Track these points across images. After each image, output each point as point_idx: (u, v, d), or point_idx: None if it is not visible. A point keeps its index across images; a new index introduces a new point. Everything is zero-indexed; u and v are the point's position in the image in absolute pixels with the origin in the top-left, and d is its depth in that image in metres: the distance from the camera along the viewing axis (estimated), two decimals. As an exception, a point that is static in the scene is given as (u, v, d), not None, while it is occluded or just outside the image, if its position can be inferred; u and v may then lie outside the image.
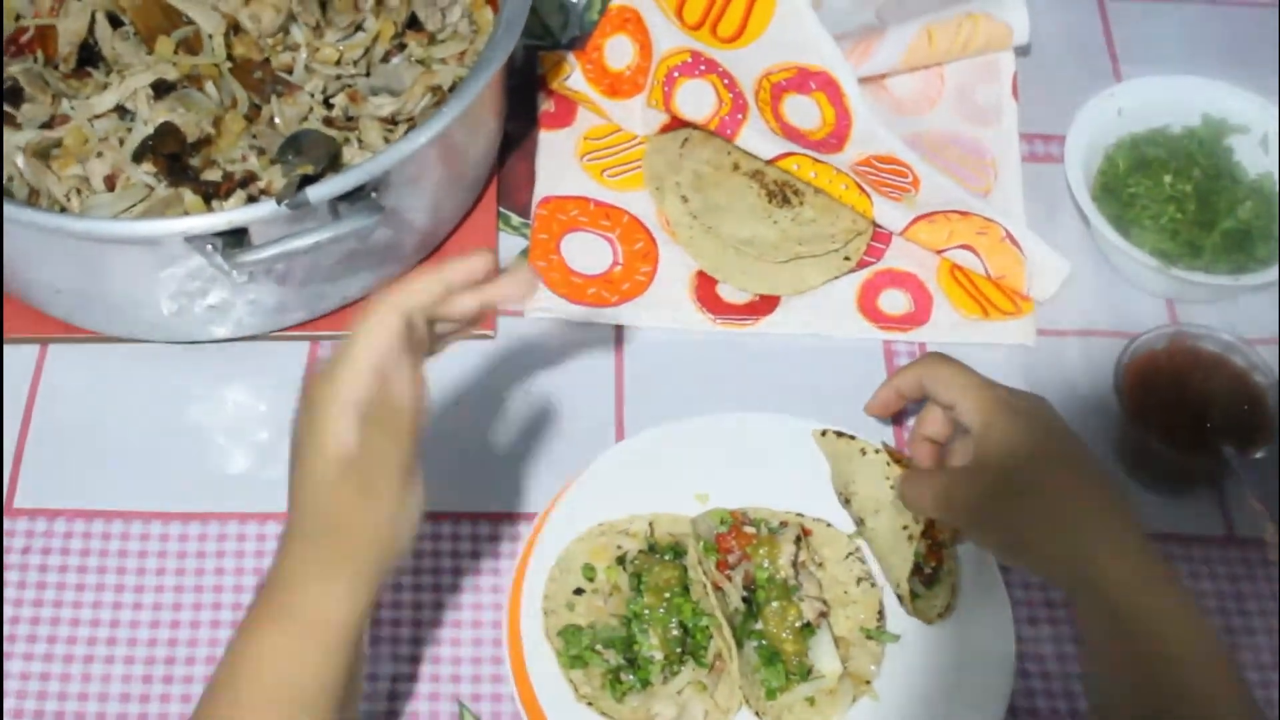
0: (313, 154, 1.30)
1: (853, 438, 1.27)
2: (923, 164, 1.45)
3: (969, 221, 1.44)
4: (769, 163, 1.47)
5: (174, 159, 1.31)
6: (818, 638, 1.21)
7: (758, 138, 1.46)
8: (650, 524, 1.27)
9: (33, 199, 1.31)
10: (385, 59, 1.44)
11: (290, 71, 1.40)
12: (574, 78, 1.55)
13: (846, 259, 1.45)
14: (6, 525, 1.28)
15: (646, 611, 1.21)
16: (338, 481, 0.98)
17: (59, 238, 1.22)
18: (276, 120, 1.37)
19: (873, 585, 1.26)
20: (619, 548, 1.26)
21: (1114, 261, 1.46)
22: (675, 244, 1.46)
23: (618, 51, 1.54)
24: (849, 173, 1.44)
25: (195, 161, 1.33)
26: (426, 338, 1.03)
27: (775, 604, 1.21)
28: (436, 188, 1.36)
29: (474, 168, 1.43)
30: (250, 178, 1.32)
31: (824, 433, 1.29)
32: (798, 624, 1.20)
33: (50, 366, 1.37)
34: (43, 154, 1.33)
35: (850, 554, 1.28)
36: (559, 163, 1.52)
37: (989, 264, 1.44)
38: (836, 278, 1.45)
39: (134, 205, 1.29)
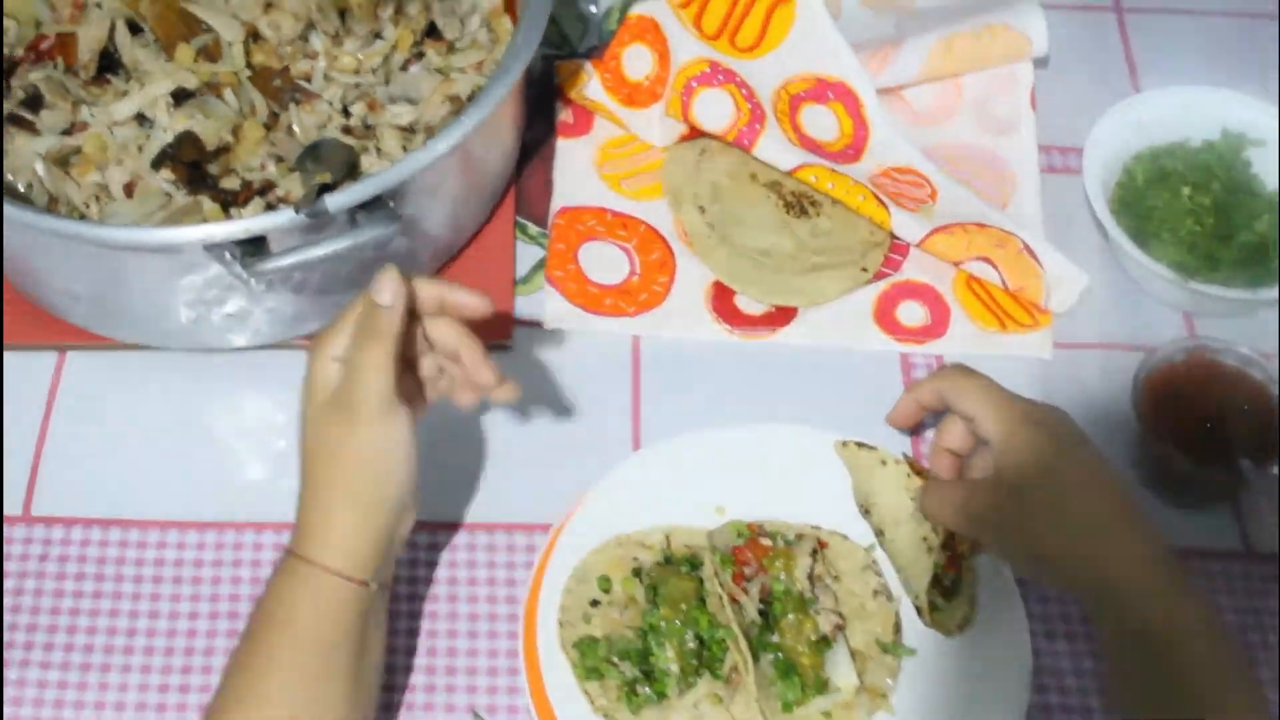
0: (331, 162, 1.30)
1: (873, 449, 1.27)
2: (940, 175, 1.45)
3: (987, 233, 1.43)
4: (787, 173, 1.47)
5: (193, 167, 1.31)
6: (834, 651, 1.21)
7: (775, 148, 1.45)
8: (667, 536, 1.27)
9: (52, 206, 1.31)
10: (404, 68, 1.44)
11: (309, 80, 1.40)
12: (592, 87, 1.55)
13: (864, 270, 1.45)
14: (24, 533, 1.28)
15: (663, 624, 1.21)
16: (324, 418, 1.09)
17: (78, 245, 1.22)
18: (295, 128, 1.37)
19: (889, 599, 1.26)
20: (635, 559, 1.26)
21: (1132, 274, 1.46)
22: (692, 254, 1.46)
23: (636, 61, 1.54)
24: (867, 184, 1.44)
25: (214, 169, 1.33)
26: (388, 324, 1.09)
27: (791, 617, 1.21)
28: (454, 197, 1.36)
29: (492, 177, 1.43)
30: (269, 186, 1.33)
31: (845, 443, 1.29)
32: (814, 637, 1.20)
33: (68, 373, 1.37)
34: (62, 161, 1.33)
35: (866, 567, 1.27)
36: (576, 172, 1.52)
37: (1007, 276, 1.43)
38: (854, 289, 1.45)
39: (153, 213, 1.30)
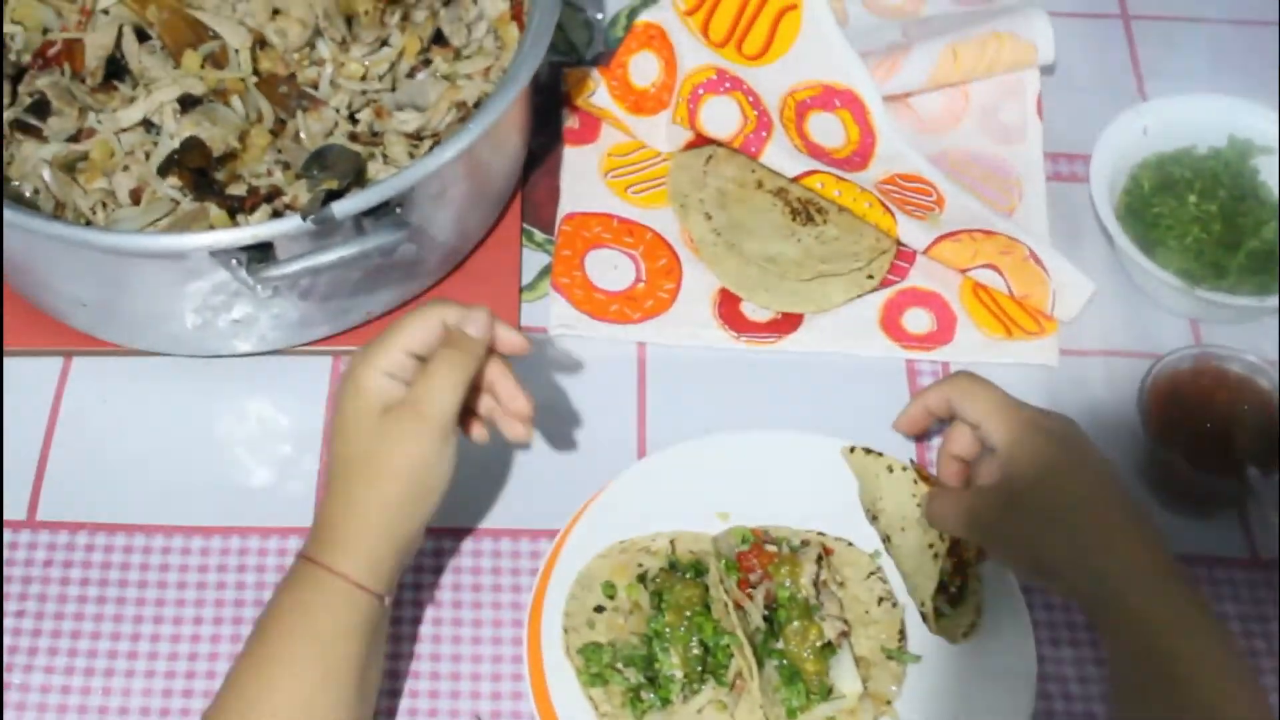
0: (338, 169, 1.30)
1: (880, 455, 1.27)
2: (947, 182, 1.45)
3: (993, 240, 1.43)
4: (793, 180, 1.46)
5: (200, 173, 1.32)
6: (839, 657, 1.21)
7: (782, 155, 1.45)
8: (671, 542, 1.27)
9: (59, 212, 1.31)
10: (411, 74, 1.44)
11: (316, 86, 1.40)
12: (599, 94, 1.55)
13: (870, 277, 1.45)
14: (29, 538, 1.29)
15: (667, 630, 1.21)
16: (380, 428, 1.10)
17: (85, 251, 1.22)
18: (302, 135, 1.37)
19: (894, 605, 1.26)
20: (640, 565, 1.26)
21: (1138, 282, 1.46)
22: (698, 261, 1.46)
23: (643, 68, 1.54)
24: (873, 191, 1.44)
25: (221, 176, 1.33)
26: (474, 354, 1.13)
27: (796, 623, 1.21)
28: (461, 204, 1.36)
29: (498, 184, 1.43)
30: (275, 192, 1.33)
31: (852, 449, 1.29)
32: (819, 643, 1.20)
33: (74, 379, 1.37)
34: (69, 167, 1.33)
35: (872, 574, 1.27)
36: (583, 179, 1.52)
37: (1013, 283, 1.43)
38: (860, 296, 1.45)
39: (159, 219, 1.30)
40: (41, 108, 1.35)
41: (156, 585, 1.27)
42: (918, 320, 1.44)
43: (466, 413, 1.17)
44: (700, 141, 1.51)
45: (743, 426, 1.33)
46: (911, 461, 1.27)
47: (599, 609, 1.23)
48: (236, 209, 1.31)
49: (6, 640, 1.23)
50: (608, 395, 1.39)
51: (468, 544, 1.30)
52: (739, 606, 1.21)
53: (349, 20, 1.43)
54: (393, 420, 1.10)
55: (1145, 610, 1.06)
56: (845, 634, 1.22)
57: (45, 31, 1.41)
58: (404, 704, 1.22)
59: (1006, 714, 1.19)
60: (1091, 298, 1.44)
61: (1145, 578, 1.08)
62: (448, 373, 1.11)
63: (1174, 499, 1.33)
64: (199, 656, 1.23)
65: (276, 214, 1.31)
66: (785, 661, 1.20)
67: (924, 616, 1.23)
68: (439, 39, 1.46)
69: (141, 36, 1.41)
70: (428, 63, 1.45)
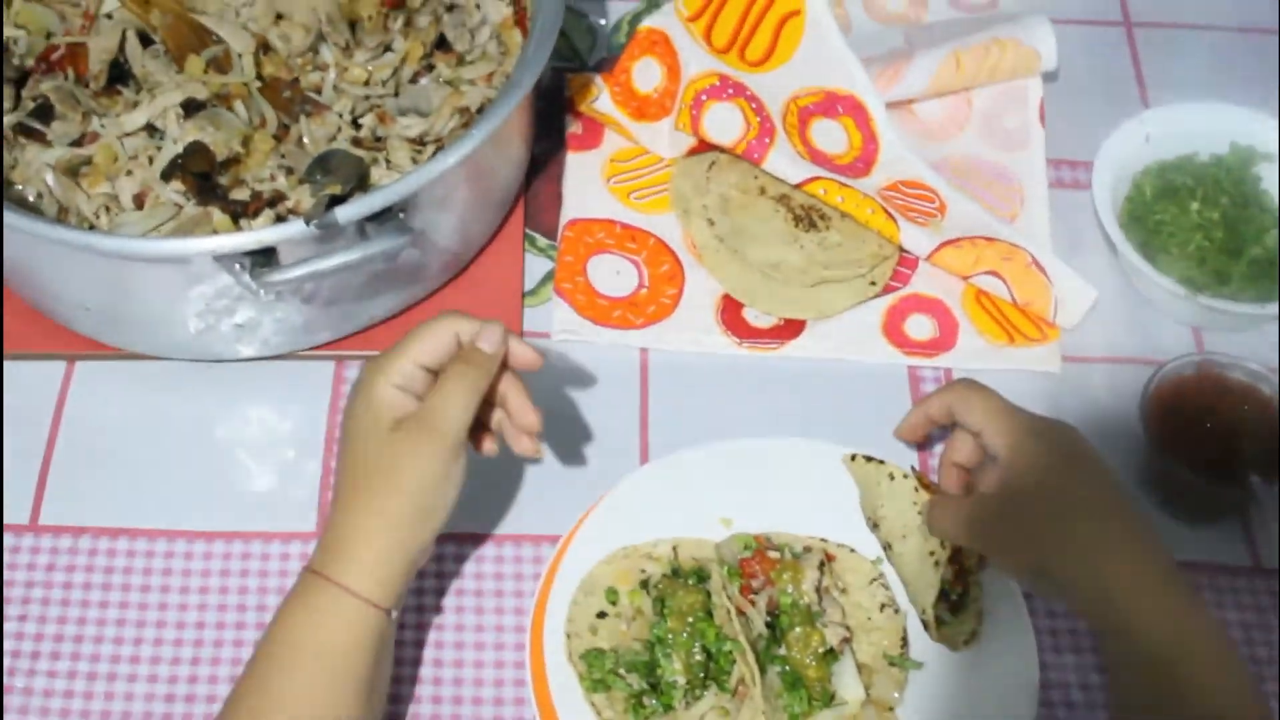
0: (341, 174, 1.30)
1: (882, 463, 1.27)
2: (949, 189, 1.45)
3: (995, 247, 1.43)
4: (796, 187, 1.47)
5: (203, 178, 1.32)
6: (841, 664, 1.21)
7: (785, 162, 1.46)
8: (674, 548, 1.27)
9: (62, 216, 1.32)
10: (414, 80, 1.44)
11: (319, 91, 1.40)
12: (601, 100, 1.55)
13: (872, 284, 1.45)
14: (32, 542, 1.29)
15: (670, 636, 1.21)
16: (391, 439, 1.10)
17: (88, 255, 1.22)
18: (305, 140, 1.37)
19: (896, 611, 1.26)
20: (642, 571, 1.26)
21: (1141, 289, 1.46)
22: (701, 267, 1.46)
23: (645, 74, 1.54)
24: (876, 197, 1.44)
25: (224, 180, 1.33)
26: (487, 369, 1.14)
27: (798, 629, 1.21)
28: (464, 209, 1.36)
29: (501, 189, 1.44)
30: (278, 197, 1.33)
31: (853, 457, 1.29)
32: (821, 650, 1.20)
33: (77, 383, 1.38)
34: (72, 171, 1.33)
35: (874, 580, 1.27)
36: (586, 185, 1.52)
37: (1015, 290, 1.44)
38: (862, 302, 1.45)
39: (163, 223, 1.30)
40: (45, 112, 1.35)
41: (159, 590, 1.27)
42: (920, 327, 1.44)
43: (477, 426, 1.17)
44: (703, 148, 1.51)
45: (745, 432, 1.33)
46: (913, 469, 1.27)
47: (601, 615, 1.23)
48: (240, 214, 1.31)
49: (9, 644, 1.23)
50: (610, 401, 1.39)
51: (470, 549, 1.30)
52: (741, 613, 1.21)
53: (352, 25, 1.43)
54: (403, 434, 1.10)
55: (1146, 617, 1.06)
56: (847, 640, 1.22)
57: (49, 35, 1.41)
58: (406, 709, 1.22)
59: (1009, 721, 1.19)
60: (1094, 304, 1.44)
61: (1146, 585, 1.08)
62: (460, 388, 1.11)
63: (1176, 506, 1.33)
64: (201, 661, 1.23)
65: (280, 219, 1.31)
66: (787, 668, 1.20)
67: (925, 624, 1.23)
68: (442, 44, 1.46)
69: (145, 41, 1.41)
70: (431, 68, 1.45)
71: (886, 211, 1.43)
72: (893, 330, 1.44)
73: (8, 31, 1.39)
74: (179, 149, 1.33)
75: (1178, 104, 1.54)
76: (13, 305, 1.37)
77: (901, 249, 1.46)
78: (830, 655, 1.20)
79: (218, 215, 1.30)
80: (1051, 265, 1.43)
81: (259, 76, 1.39)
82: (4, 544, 1.28)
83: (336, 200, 1.23)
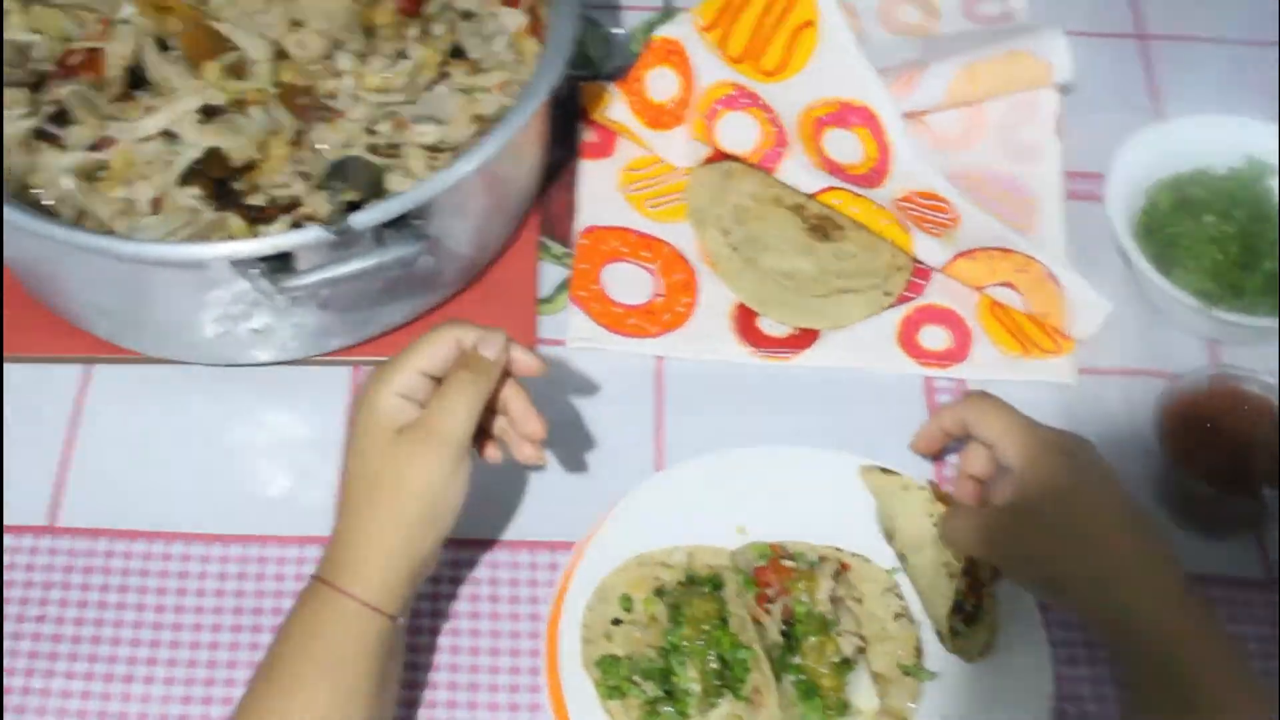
0: (357, 181, 1.30)
1: (896, 474, 1.27)
2: (964, 200, 1.45)
3: (1010, 259, 1.43)
4: (810, 196, 1.47)
5: (220, 183, 1.32)
6: (855, 673, 1.21)
7: (799, 171, 1.46)
8: (689, 555, 1.27)
9: (80, 220, 1.32)
10: (430, 87, 1.44)
11: (335, 98, 1.41)
12: (616, 109, 1.55)
13: (887, 294, 1.45)
14: (49, 544, 1.29)
15: (684, 643, 1.21)
16: (394, 448, 1.10)
17: (105, 259, 1.22)
18: (321, 146, 1.37)
19: (911, 621, 1.26)
20: (657, 579, 1.26)
21: (1155, 302, 1.46)
22: (716, 276, 1.47)
23: (660, 83, 1.54)
24: (890, 208, 1.44)
25: (240, 186, 1.33)
26: (489, 375, 1.14)
27: (813, 638, 1.21)
28: (479, 217, 1.36)
29: (516, 197, 1.44)
30: (295, 203, 1.33)
31: (868, 469, 1.29)
32: (835, 659, 1.20)
33: (94, 386, 1.38)
34: (90, 176, 1.33)
35: (888, 590, 1.27)
36: (601, 193, 1.52)
37: (1030, 301, 1.44)
38: (877, 313, 1.45)
39: (180, 228, 1.30)
40: (62, 117, 1.36)
41: (175, 592, 1.27)
42: (934, 337, 1.45)
43: (481, 433, 1.17)
44: (718, 157, 1.52)
45: (759, 441, 1.33)
46: (928, 480, 1.27)
47: (616, 622, 1.23)
48: (256, 219, 1.31)
49: (26, 645, 1.23)
50: (625, 409, 1.39)
51: (486, 556, 1.30)
52: (756, 621, 1.21)
53: (368, 33, 1.43)
54: (406, 441, 1.10)
55: (1160, 630, 1.06)
56: (862, 650, 1.22)
57: (66, 40, 1.42)
58: (422, 714, 1.22)
59: (1023, 731, 1.19)
60: (1108, 317, 1.43)
61: (1160, 598, 1.08)
62: (462, 394, 1.11)
63: (1190, 519, 1.33)
64: (218, 664, 1.23)
65: (296, 225, 1.31)
66: (802, 676, 1.20)
67: (939, 635, 1.24)
68: (458, 52, 1.47)
69: (162, 47, 1.41)
70: (446, 76, 1.45)
71: (901, 222, 1.44)
72: (907, 341, 1.44)
73: (25, 36, 1.40)
74: (196, 154, 1.33)
75: (1193, 116, 1.54)
76: (31, 309, 1.37)
77: (916, 259, 1.47)
78: (845, 665, 1.20)
79: (234, 221, 1.30)
80: (1066, 277, 1.43)
81: (276, 83, 1.40)
82: (23, 545, 1.29)
83: (353, 207, 1.23)
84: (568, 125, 1.56)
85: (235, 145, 1.34)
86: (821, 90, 1.46)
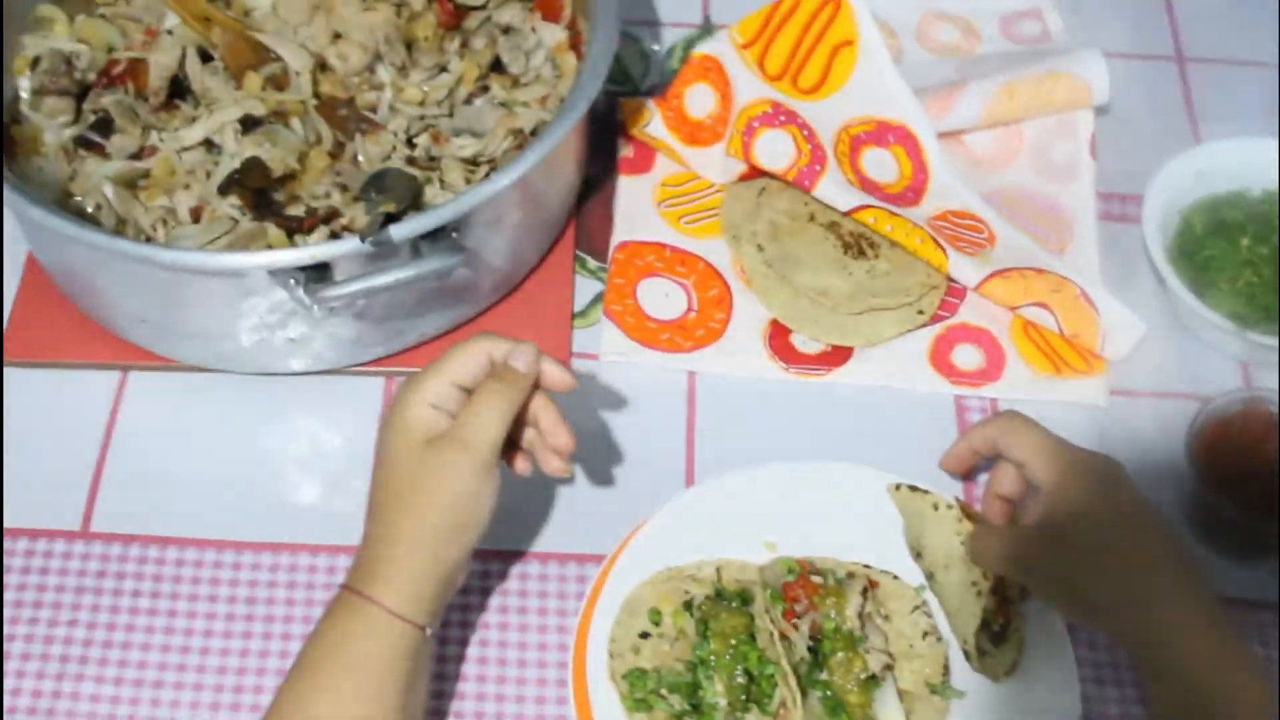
0: (395, 192, 1.31)
1: (926, 492, 1.27)
2: (999, 220, 1.45)
3: (1044, 279, 1.43)
4: (845, 214, 1.47)
5: (259, 193, 1.33)
6: (882, 690, 1.21)
7: (835, 189, 1.46)
8: (718, 570, 1.28)
9: (120, 228, 1.33)
10: (468, 101, 1.46)
11: (375, 110, 1.42)
12: (654, 124, 1.56)
13: (920, 312, 1.46)
14: (83, 549, 1.30)
15: (712, 658, 1.21)
16: (424, 456, 1.11)
17: (145, 267, 1.23)
18: (360, 158, 1.38)
19: (938, 640, 1.26)
20: (686, 593, 1.26)
21: (1189, 324, 1.46)
22: (750, 292, 1.47)
23: (698, 100, 1.55)
24: (925, 227, 1.44)
25: (280, 196, 1.34)
26: (520, 387, 1.14)
27: (840, 655, 1.21)
28: (516, 230, 1.37)
29: (553, 211, 1.44)
30: (333, 214, 1.34)
31: (898, 487, 1.29)
32: (863, 675, 1.20)
33: (130, 393, 1.39)
34: (131, 184, 1.35)
35: (916, 608, 1.27)
36: (637, 208, 1.53)
37: (1063, 322, 1.44)
38: (910, 331, 1.45)
39: (219, 237, 1.31)
40: (105, 125, 1.37)
41: (207, 599, 1.28)
42: (967, 356, 1.45)
43: (511, 445, 1.18)
44: (754, 174, 1.52)
45: (791, 457, 1.33)
46: (957, 499, 1.27)
47: (644, 635, 1.24)
48: (294, 229, 1.32)
49: (58, 649, 1.25)
50: (657, 423, 1.40)
51: (515, 567, 1.30)
52: (784, 636, 1.21)
53: (409, 46, 1.45)
54: (435, 451, 1.11)
55: (1188, 652, 1.06)
56: (889, 667, 1.22)
57: (110, 50, 1.43)
58: (448, 724, 1.23)
59: (1050, 752, 1.19)
60: (1142, 338, 1.43)
61: (1188, 620, 1.08)
62: (492, 405, 1.12)
63: (1220, 542, 1.33)
64: (247, 671, 1.24)
65: (334, 235, 1.33)
66: (829, 693, 1.20)
67: (966, 654, 1.24)
68: (497, 66, 1.48)
69: (204, 57, 1.43)
70: (485, 89, 1.46)
71: (936, 241, 1.44)
72: (940, 359, 1.44)
73: (71, 46, 1.41)
74: (236, 164, 1.34)
75: (1229, 139, 1.53)
76: (69, 315, 1.38)
77: (950, 278, 1.47)
78: (872, 681, 1.20)
79: (273, 230, 1.31)
80: (1100, 298, 1.43)
81: (316, 94, 1.41)
82: (56, 550, 1.30)
83: (390, 218, 1.24)
84: (606, 140, 1.57)
85: (275, 156, 1.35)
86: (859, 108, 1.47)
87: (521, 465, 1.22)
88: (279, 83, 1.40)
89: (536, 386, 1.17)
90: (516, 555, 1.31)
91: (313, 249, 1.21)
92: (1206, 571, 1.12)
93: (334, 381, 1.39)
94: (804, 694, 1.19)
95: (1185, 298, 1.41)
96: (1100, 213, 1.55)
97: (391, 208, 1.28)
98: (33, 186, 1.30)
